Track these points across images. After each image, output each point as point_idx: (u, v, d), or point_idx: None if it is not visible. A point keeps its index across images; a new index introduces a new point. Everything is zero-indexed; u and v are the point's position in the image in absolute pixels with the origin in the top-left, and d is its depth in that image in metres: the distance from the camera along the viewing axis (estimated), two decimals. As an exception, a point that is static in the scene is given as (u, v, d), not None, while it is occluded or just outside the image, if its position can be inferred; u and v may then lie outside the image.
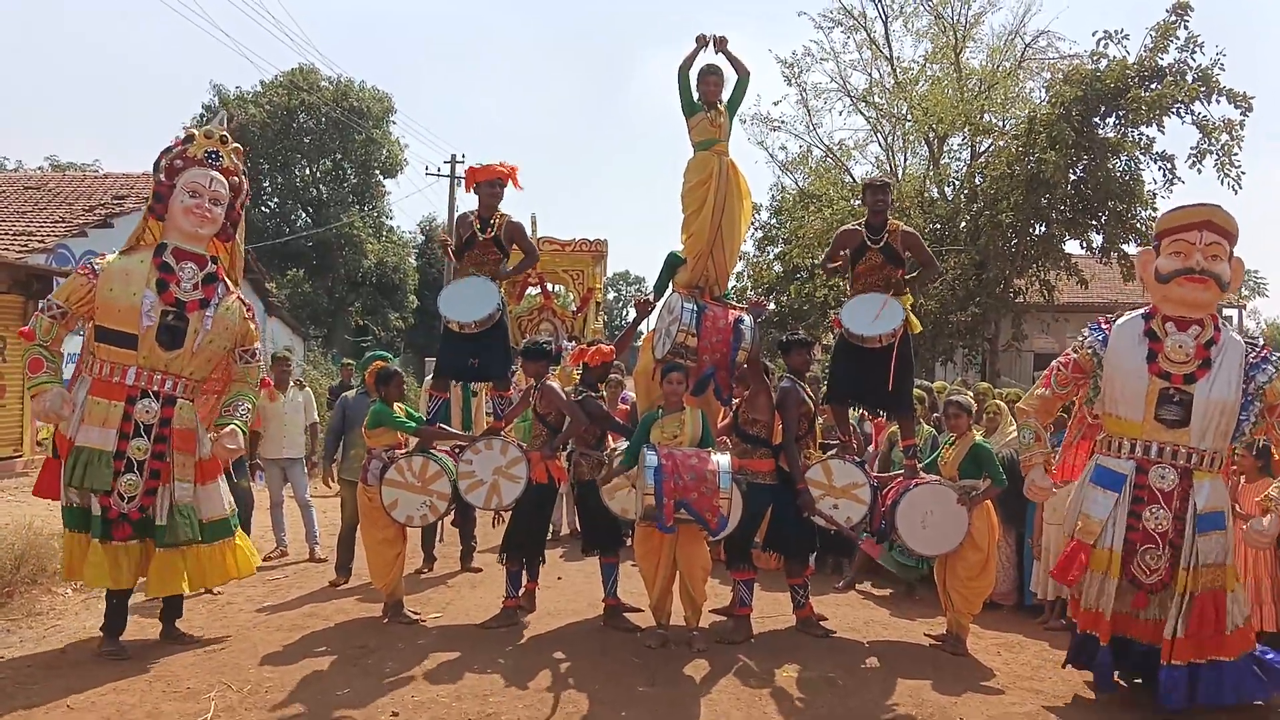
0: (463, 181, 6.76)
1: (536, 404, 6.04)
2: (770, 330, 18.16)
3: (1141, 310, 4.97)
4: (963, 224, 17.45)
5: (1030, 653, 5.65)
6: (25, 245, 13.58)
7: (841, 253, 6.11)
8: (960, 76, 19.80)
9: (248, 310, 5.61)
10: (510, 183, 6.48)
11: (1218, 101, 14.58)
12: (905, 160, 22.15)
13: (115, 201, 16.07)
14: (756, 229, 21.15)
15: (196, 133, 5.50)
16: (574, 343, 10.09)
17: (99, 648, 5.17)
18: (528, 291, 12.67)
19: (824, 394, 6.57)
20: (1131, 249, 15.22)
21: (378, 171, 32.08)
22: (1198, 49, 14.71)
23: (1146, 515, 4.66)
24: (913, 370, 6.20)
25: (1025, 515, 6.56)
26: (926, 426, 7.27)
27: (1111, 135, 15.31)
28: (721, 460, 5.26)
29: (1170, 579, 4.58)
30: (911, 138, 21.25)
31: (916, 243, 6.05)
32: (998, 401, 7.06)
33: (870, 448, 7.82)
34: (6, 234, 14.13)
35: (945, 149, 20.36)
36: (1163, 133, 15.03)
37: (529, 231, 8.61)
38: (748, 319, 5.85)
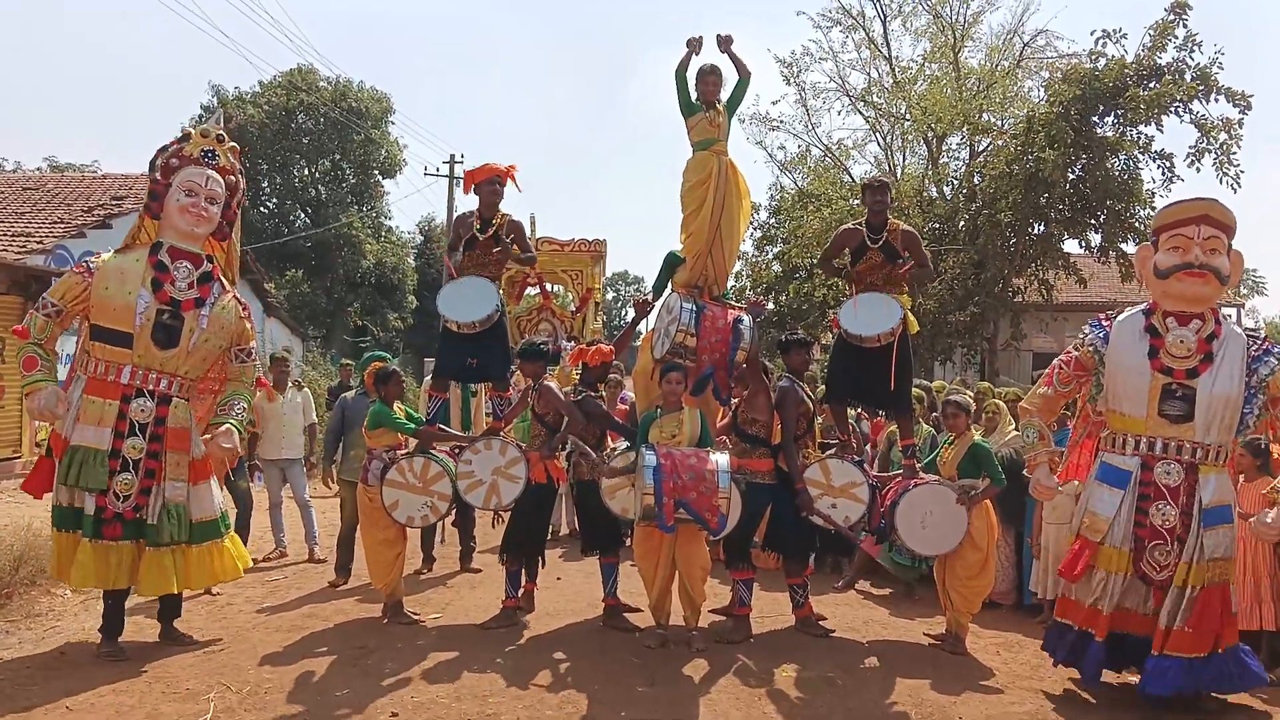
0: (461, 183, 6.75)
1: (535, 404, 6.04)
2: (769, 330, 18.18)
3: (1142, 306, 4.97)
4: (961, 223, 17.47)
5: (1029, 652, 5.64)
6: (24, 246, 13.57)
7: (844, 253, 6.11)
8: (959, 76, 19.83)
9: (243, 309, 5.60)
10: (510, 181, 6.47)
11: (1216, 100, 14.61)
12: (904, 160, 22.21)
13: (114, 202, 16.06)
14: (755, 229, 21.16)
15: (193, 131, 5.50)
16: (573, 343, 10.07)
17: (98, 649, 5.17)
18: (527, 291, 12.70)
19: (823, 394, 6.57)
20: (1130, 248, 15.24)
21: (376, 172, 32.09)
22: (1196, 48, 14.74)
23: (1153, 511, 4.66)
24: (911, 370, 6.20)
25: (1024, 515, 6.56)
26: (925, 426, 7.27)
27: (1110, 134, 15.32)
28: (720, 460, 5.26)
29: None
30: (910, 137, 21.29)
31: (915, 243, 6.05)
32: (997, 401, 7.05)
33: (868, 447, 7.82)
34: (5, 235, 14.12)
35: (944, 148, 20.39)
36: (1161, 132, 15.07)
37: (528, 232, 8.60)
38: (747, 319, 5.85)
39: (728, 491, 5.15)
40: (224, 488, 7.16)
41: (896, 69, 21.54)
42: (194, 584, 5.41)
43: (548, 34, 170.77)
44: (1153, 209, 14.94)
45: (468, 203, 6.63)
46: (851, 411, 7.13)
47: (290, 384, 8.20)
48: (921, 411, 7.30)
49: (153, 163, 5.36)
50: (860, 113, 22.36)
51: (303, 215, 31.56)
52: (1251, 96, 14.36)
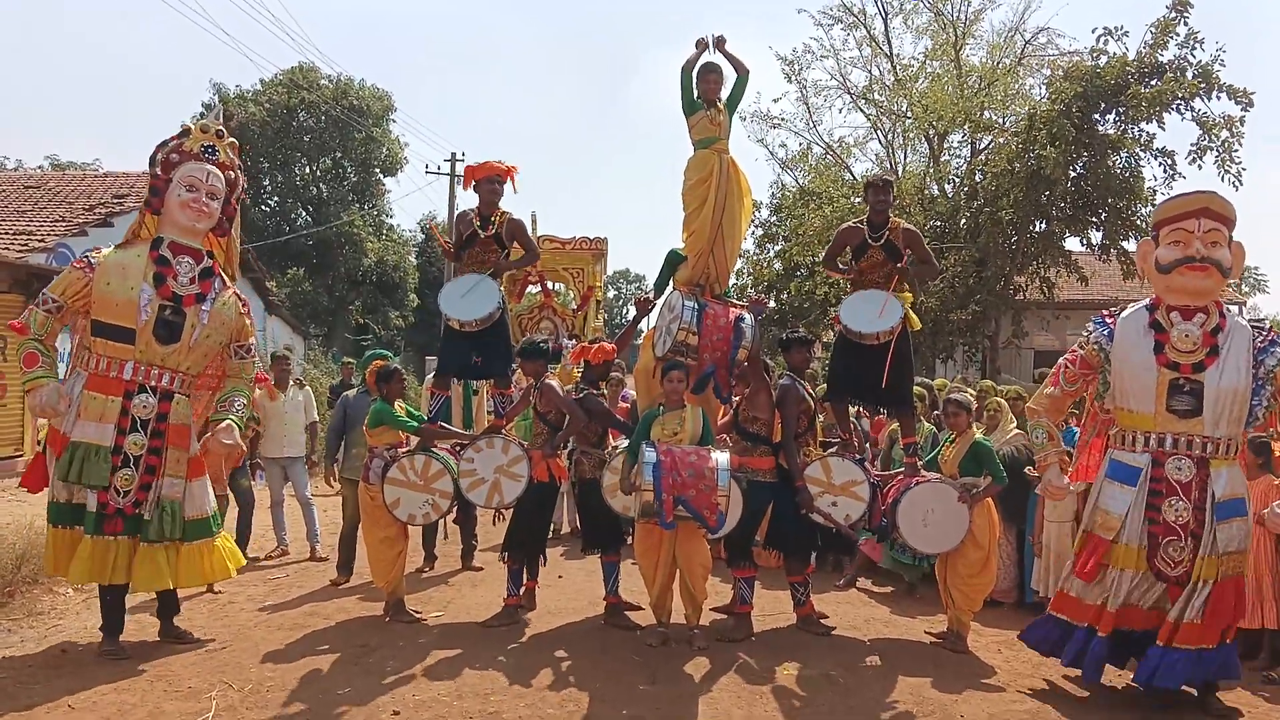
0: (462, 180, 6.73)
1: (536, 402, 6.04)
2: (770, 328, 18.16)
3: (1145, 302, 4.95)
4: (963, 221, 17.46)
5: (1031, 650, 5.63)
6: (25, 244, 13.60)
7: (845, 251, 6.11)
8: (960, 73, 19.80)
9: (243, 305, 5.60)
10: (509, 181, 6.45)
11: (1218, 98, 14.59)
12: (905, 157, 22.17)
13: (115, 200, 16.08)
14: (757, 227, 21.15)
15: (193, 126, 5.49)
16: (574, 341, 10.07)
17: (99, 647, 5.17)
18: (528, 290, 12.69)
19: (824, 392, 6.57)
20: (1132, 246, 15.22)
21: (378, 170, 32.11)
22: (1198, 45, 14.72)
23: (1165, 507, 4.64)
24: (912, 368, 6.19)
25: (1026, 513, 6.56)
26: (927, 424, 7.27)
27: (1111, 132, 15.31)
28: (720, 458, 5.25)
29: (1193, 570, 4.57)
30: (911, 135, 21.24)
31: (917, 240, 6.04)
32: (998, 399, 7.04)
33: (869, 445, 7.81)
34: (7, 233, 14.14)
35: (945, 146, 20.37)
36: (1163, 129, 15.06)
37: (529, 229, 8.60)
38: (748, 317, 5.84)
39: (726, 489, 5.14)
40: (227, 486, 7.23)
41: (898, 66, 21.51)
42: (184, 582, 5.35)
43: (549, 32, 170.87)
44: (1154, 206, 14.89)
45: (469, 200, 6.60)
46: (852, 409, 7.14)
47: (292, 382, 8.20)
48: (923, 409, 7.29)
49: (153, 158, 5.34)
50: (861, 110, 22.36)
51: (304, 213, 31.57)
52: (1253, 93, 14.37)
